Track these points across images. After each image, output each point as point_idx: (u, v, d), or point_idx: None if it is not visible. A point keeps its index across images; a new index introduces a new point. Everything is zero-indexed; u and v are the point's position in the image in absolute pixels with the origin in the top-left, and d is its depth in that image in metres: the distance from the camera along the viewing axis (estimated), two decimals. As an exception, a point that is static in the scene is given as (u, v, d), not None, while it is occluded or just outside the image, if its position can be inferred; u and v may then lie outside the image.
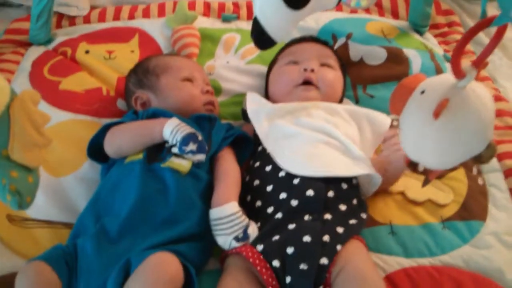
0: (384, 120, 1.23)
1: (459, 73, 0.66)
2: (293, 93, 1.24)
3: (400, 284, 1.03)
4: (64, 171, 1.22)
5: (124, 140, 1.10)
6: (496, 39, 0.64)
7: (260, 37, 0.88)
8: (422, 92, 0.72)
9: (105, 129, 1.14)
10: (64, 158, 1.24)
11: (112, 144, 1.11)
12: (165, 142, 1.08)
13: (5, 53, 1.55)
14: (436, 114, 0.68)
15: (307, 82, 1.24)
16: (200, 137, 1.05)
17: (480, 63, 0.66)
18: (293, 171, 1.07)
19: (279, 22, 0.86)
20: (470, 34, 0.65)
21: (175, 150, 1.05)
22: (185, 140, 1.03)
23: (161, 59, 1.32)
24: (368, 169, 1.08)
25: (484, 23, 0.63)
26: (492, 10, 0.66)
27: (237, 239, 0.98)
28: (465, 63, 0.68)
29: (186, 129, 1.05)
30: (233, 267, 0.97)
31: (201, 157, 1.05)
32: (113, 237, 0.97)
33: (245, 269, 0.95)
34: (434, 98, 0.69)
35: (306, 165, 1.07)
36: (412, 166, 0.80)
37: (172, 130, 1.05)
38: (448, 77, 0.70)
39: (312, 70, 1.24)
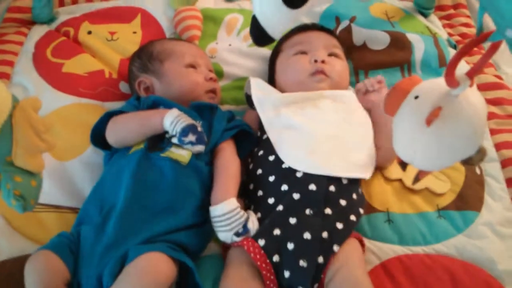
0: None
1: (452, 83, 0.67)
2: (305, 83, 1.23)
3: (394, 271, 1.06)
4: (69, 155, 1.24)
5: (125, 131, 1.11)
6: (491, 52, 0.65)
7: (259, 34, 0.89)
8: (416, 97, 0.73)
9: (106, 117, 1.15)
10: (68, 142, 1.26)
11: (114, 135, 1.12)
12: (166, 132, 1.09)
13: (8, 34, 1.54)
14: (429, 122, 0.69)
15: (318, 72, 1.23)
16: (199, 128, 1.06)
17: (474, 73, 0.67)
18: (294, 166, 1.08)
19: (278, 21, 0.86)
20: (466, 49, 0.66)
21: (175, 140, 1.07)
22: (185, 131, 1.05)
23: (165, 44, 1.32)
24: (365, 171, 1.11)
25: (480, 38, 0.63)
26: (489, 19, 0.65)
27: (237, 234, 1.00)
28: (460, 70, 0.68)
29: (186, 120, 1.06)
30: (236, 261, 0.99)
31: (200, 148, 1.07)
32: (113, 227, 0.98)
33: (248, 263, 0.97)
34: (427, 105, 0.70)
35: (307, 161, 1.08)
36: (403, 165, 0.82)
37: (172, 121, 1.06)
38: (442, 83, 0.70)
39: (323, 61, 1.24)
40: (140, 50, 1.34)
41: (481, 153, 0.72)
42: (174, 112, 1.08)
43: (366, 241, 1.09)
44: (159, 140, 1.10)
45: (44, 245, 0.97)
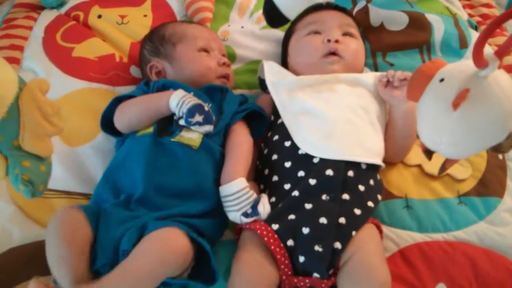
0: None
1: (481, 63, 0.63)
2: (317, 65, 1.20)
3: (413, 259, 1.04)
4: (80, 140, 1.23)
5: (132, 115, 1.09)
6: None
7: (273, 14, 0.85)
8: (441, 80, 0.69)
9: (115, 102, 1.13)
10: (79, 128, 1.24)
11: (122, 120, 1.11)
12: (174, 114, 1.07)
13: (17, 18, 1.52)
14: (455, 105, 0.65)
15: (331, 53, 1.19)
16: (206, 108, 1.04)
17: (503, 52, 0.63)
18: (310, 152, 1.05)
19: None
20: (495, 25, 0.62)
21: (182, 122, 1.04)
22: (191, 112, 1.02)
23: (177, 26, 1.29)
24: (380, 158, 1.09)
25: (509, 13, 0.59)
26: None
27: (246, 214, 0.98)
28: (488, 50, 0.64)
29: (192, 100, 1.04)
30: (249, 243, 0.97)
31: (208, 128, 1.05)
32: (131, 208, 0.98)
33: (260, 245, 0.96)
34: (454, 88, 0.66)
35: (323, 146, 1.05)
36: (428, 153, 0.79)
37: (178, 102, 1.04)
38: (468, 65, 0.66)
39: (337, 41, 1.20)
40: (152, 32, 1.32)
41: (511, 138, 0.68)
42: (180, 93, 1.06)
43: (384, 228, 1.07)
44: (169, 123, 1.08)
45: (73, 205, 0.96)
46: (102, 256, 0.91)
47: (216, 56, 1.25)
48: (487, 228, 1.07)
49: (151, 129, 1.07)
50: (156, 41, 1.27)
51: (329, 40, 1.19)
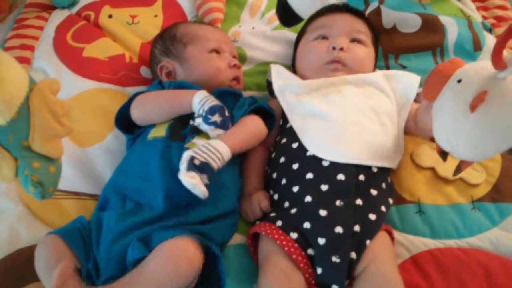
0: (413, 77, 1.18)
1: (500, 64, 0.61)
2: (320, 71, 1.19)
3: (426, 266, 1.02)
4: (90, 141, 1.22)
5: (153, 107, 1.10)
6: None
7: (286, 13, 0.84)
8: (459, 81, 0.67)
9: (134, 98, 1.13)
10: (89, 128, 1.24)
11: (141, 110, 1.10)
12: (190, 119, 1.06)
13: (28, 18, 1.52)
14: (473, 107, 0.63)
15: (335, 61, 1.18)
16: (227, 113, 1.04)
17: (524, 54, 0.61)
18: (319, 154, 1.04)
19: (307, -1, 0.81)
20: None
21: (199, 121, 1.03)
22: (213, 109, 1.02)
23: (189, 27, 1.29)
24: (392, 160, 1.08)
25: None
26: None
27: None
28: (507, 52, 0.63)
29: (215, 101, 1.04)
30: (271, 255, 0.95)
31: (221, 133, 1.04)
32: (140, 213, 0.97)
33: (283, 256, 0.94)
34: (472, 89, 0.65)
35: (332, 149, 1.04)
36: (444, 155, 0.77)
37: (201, 99, 1.04)
38: (486, 66, 0.65)
39: (342, 49, 1.18)
40: (163, 32, 1.31)
41: (529, 141, 0.66)
42: (204, 92, 1.06)
43: (396, 234, 1.05)
44: (182, 127, 1.07)
45: (54, 230, 0.97)
46: (106, 271, 0.90)
47: (226, 58, 1.24)
48: (501, 234, 1.05)
49: (163, 133, 1.06)
50: (167, 41, 1.26)
51: (334, 48, 1.18)
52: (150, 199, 0.99)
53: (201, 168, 0.94)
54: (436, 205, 1.10)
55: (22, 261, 1.00)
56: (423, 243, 1.05)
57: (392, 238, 1.02)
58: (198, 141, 1.04)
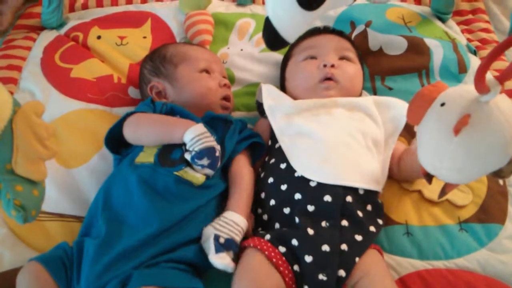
0: (403, 106, 1.19)
1: (483, 88, 0.62)
2: (314, 90, 1.20)
3: (414, 287, 1.01)
4: (76, 162, 1.21)
5: (146, 131, 1.09)
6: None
7: (272, 38, 0.85)
8: (442, 104, 0.68)
9: (126, 118, 1.12)
10: (75, 149, 1.23)
11: (133, 132, 1.09)
12: (181, 145, 1.06)
13: (16, 39, 1.52)
14: (457, 130, 0.64)
15: (327, 79, 1.19)
16: (217, 153, 1.03)
17: (505, 77, 0.62)
18: (307, 175, 1.04)
19: (292, 23, 0.82)
20: (498, 51, 0.61)
21: (187, 156, 1.03)
22: (201, 154, 1.01)
23: (179, 47, 1.29)
24: (379, 184, 1.08)
25: (513, 39, 0.58)
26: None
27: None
28: (491, 74, 0.63)
29: (207, 142, 1.02)
30: (253, 259, 0.95)
31: (209, 172, 1.04)
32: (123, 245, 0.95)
33: (267, 264, 0.93)
34: (455, 113, 0.66)
35: (320, 170, 1.04)
36: (428, 177, 0.77)
37: (193, 137, 1.02)
38: (470, 89, 0.65)
39: (332, 66, 1.20)
40: (153, 52, 1.31)
41: (512, 163, 0.67)
42: (200, 128, 1.03)
43: (384, 255, 1.04)
44: (170, 151, 1.06)
45: (36, 257, 0.95)
46: None
47: (217, 78, 1.24)
48: (489, 255, 1.05)
49: (151, 159, 1.05)
50: (157, 61, 1.26)
51: (325, 65, 1.19)
52: (132, 225, 0.97)
53: (227, 245, 0.96)
54: (423, 226, 1.10)
55: (4, 284, 0.98)
56: (411, 264, 1.05)
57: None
58: (190, 170, 1.04)
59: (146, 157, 1.06)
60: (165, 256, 0.94)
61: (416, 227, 1.10)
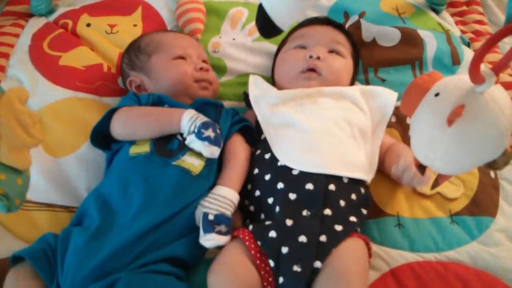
0: (390, 94, 1.19)
1: (477, 78, 0.61)
2: (296, 79, 1.19)
3: (404, 279, 1.01)
4: (64, 151, 1.19)
5: (139, 124, 1.06)
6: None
7: (266, 25, 0.83)
8: (437, 94, 0.67)
9: (109, 115, 1.09)
10: (63, 138, 1.21)
11: (124, 127, 1.07)
12: (177, 136, 1.04)
13: (4, 26, 1.49)
14: (450, 121, 0.63)
15: (309, 69, 1.18)
16: (218, 130, 1.02)
17: (500, 68, 0.61)
18: (289, 164, 1.03)
19: (286, 10, 0.81)
20: (493, 41, 0.60)
21: (191, 138, 1.01)
22: (206, 125, 1.00)
23: (154, 36, 1.27)
24: (366, 173, 1.07)
25: (509, 29, 0.57)
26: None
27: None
28: (484, 66, 0.63)
29: (206, 118, 1.03)
30: (233, 248, 0.95)
31: (214, 150, 1.01)
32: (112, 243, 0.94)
33: (246, 254, 0.93)
34: (449, 103, 0.65)
35: (303, 159, 1.03)
36: (421, 168, 0.76)
37: (191, 117, 1.02)
38: (464, 79, 0.64)
39: (318, 58, 1.18)
40: (130, 45, 1.29)
41: (506, 155, 0.66)
42: (192, 110, 1.05)
43: (375, 246, 1.04)
44: (166, 142, 1.05)
45: (20, 251, 0.94)
46: None
47: (193, 62, 1.21)
48: (480, 248, 1.05)
49: (147, 148, 1.03)
50: (132, 53, 1.25)
51: (311, 57, 1.18)
52: (126, 218, 0.96)
53: (217, 221, 0.95)
54: (415, 218, 1.10)
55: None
56: (402, 256, 1.04)
57: (369, 249, 1.00)
58: (188, 158, 1.02)
59: (141, 148, 1.04)
60: (154, 254, 0.93)
61: (408, 219, 1.10)
